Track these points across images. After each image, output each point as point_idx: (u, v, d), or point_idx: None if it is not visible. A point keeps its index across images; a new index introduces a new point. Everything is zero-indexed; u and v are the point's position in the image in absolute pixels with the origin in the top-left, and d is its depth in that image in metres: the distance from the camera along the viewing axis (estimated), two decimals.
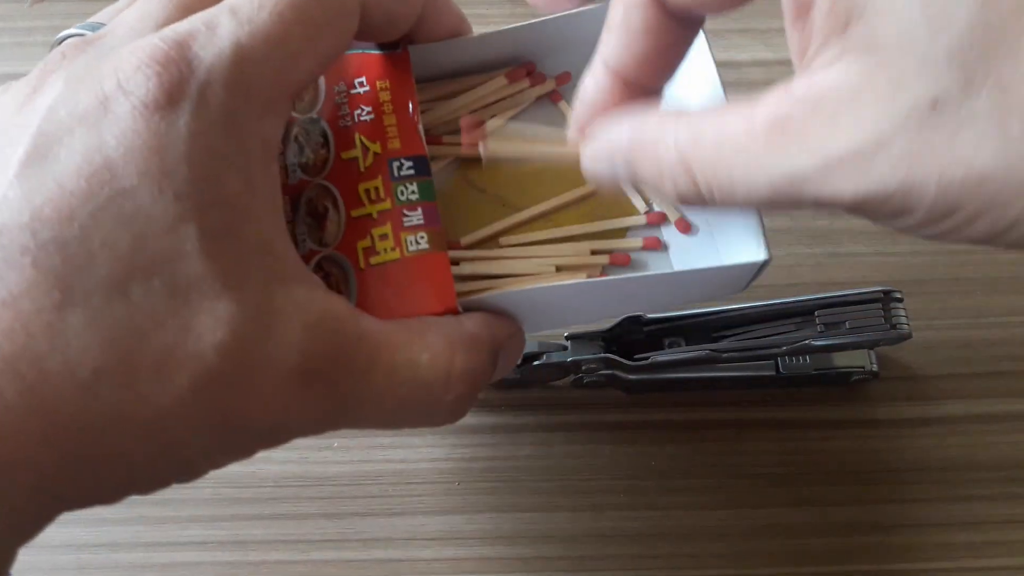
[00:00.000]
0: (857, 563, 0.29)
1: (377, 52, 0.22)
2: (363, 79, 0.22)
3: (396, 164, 0.21)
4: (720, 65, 0.37)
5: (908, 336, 0.27)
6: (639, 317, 0.29)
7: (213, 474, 0.30)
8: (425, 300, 0.20)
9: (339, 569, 0.29)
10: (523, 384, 0.31)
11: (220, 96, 0.17)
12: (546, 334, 0.31)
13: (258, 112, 0.17)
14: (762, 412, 0.31)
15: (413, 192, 0.21)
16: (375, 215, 0.21)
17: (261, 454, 0.30)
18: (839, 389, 0.31)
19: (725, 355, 0.28)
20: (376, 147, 0.21)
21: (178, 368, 0.16)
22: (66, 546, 0.29)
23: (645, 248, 0.23)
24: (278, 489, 0.30)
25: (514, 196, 0.24)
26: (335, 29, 0.18)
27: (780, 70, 0.37)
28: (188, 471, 0.18)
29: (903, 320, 0.27)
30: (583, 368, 0.29)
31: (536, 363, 0.29)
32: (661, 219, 0.23)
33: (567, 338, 0.29)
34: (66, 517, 0.30)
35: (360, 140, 0.21)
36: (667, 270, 0.22)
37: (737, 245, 0.21)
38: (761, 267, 0.21)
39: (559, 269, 0.22)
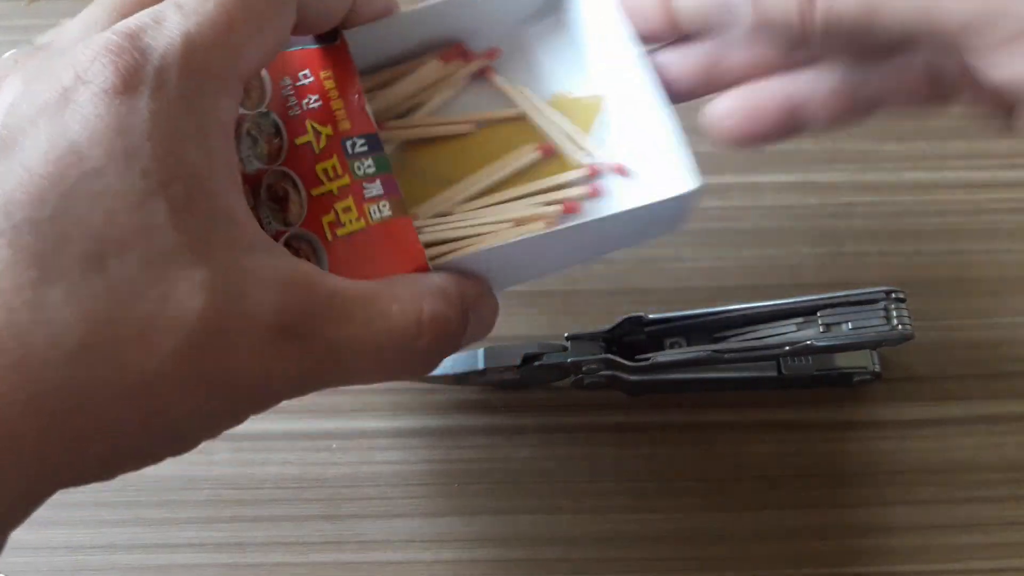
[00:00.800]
0: (861, 565, 0.29)
1: (316, 46, 0.23)
2: (307, 71, 0.23)
3: (349, 143, 0.22)
4: None
5: (911, 337, 0.27)
6: (640, 318, 0.29)
7: (211, 475, 0.30)
8: (395, 261, 0.21)
9: (337, 571, 0.29)
10: (523, 385, 0.30)
11: (175, 79, 0.18)
12: (546, 334, 0.31)
13: (212, 93, 0.18)
14: (764, 414, 0.31)
15: (370, 166, 0.22)
16: (336, 191, 0.22)
17: (259, 455, 0.30)
18: (841, 390, 0.31)
19: (727, 356, 0.28)
20: (327, 130, 0.22)
21: (160, 334, 0.17)
22: (64, 547, 0.29)
23: (592, 196, 0.24)
24: (276, 491, 0.30)
25: (459, 175, 0.24)
26: (276, 17, 0.20)
27: None
28: (179, 440, 0.19)
29: (906, 320, 0.27)
30: (583, 369, 0.29)
31: (536, 364, 0.29)
32: (602, 170, 0.24)
33: (567, 339, 0.29)
34: (64, 517, 0.30)
35: (311, 126, 0.22)
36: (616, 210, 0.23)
37: (674, 179, 0.22)
38: (696, 194, 0.22)
39: (517, 224, 0.23)
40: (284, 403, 0.19)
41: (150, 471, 0.30)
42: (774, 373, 0.30)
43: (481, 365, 0.29)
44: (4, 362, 0.16)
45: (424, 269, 0.21)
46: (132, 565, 0.29)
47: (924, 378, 0.31)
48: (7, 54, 0.20)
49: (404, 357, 0.20)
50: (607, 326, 0.29)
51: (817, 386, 0.31)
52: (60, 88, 0.17)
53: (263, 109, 0.22)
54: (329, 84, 0.23)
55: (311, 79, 0.23)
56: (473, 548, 0.29)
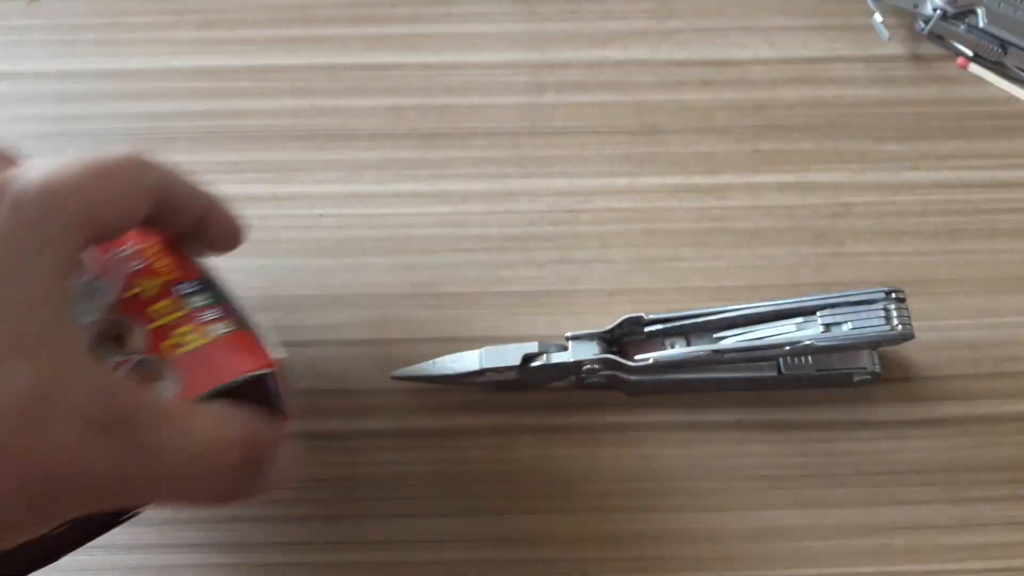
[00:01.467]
0: (861, 565, 0.29)
1: None
2: (129, 243, 0.25)
3: (179, 288, 0.24)
4: (722, 63, 0.37)
5: (911, 336, 0.27)
6: (640, 317, 0.29)
7: None
8: (240, 364, 0.23)
9: (339, 572, 0.29)
10: (523, 385, 0.30)
11: (30, 207, 0.19)
12: (546, 334, 0.31)
13: (59, 228, 0.20)
14: (763, 413, 0.31)
15: (206, 299, 0.24)
16: (172, 321, 0.23)
17: None
18: (841, 390, 0.31)
19: (727, 356, 0.28)
20: (157, 281, 0.24)
21: None
22: None
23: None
24: (277, 492, 0.30)
25: None
26: (133, 196, 0.22)
27: (781, 68, 0.37)
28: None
29: (906, 320, 0.27)
30: (584, 369, 0.29)
31: (536, 364, 0.29)
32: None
33: (567, 339, 0.29)
34: None
35: (140, 281, 0.24)
36: None
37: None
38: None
39: None
40: None
41: None
42: (774, 373, 0.30)
43: (481, 365, 0.29)
44: None
45: (270, 365, 0.23)
46: (133, 565, 0.29)
47: (923, 378, 0.31)
48: None
49: (213, 471, 0.21)
50: (607, 326, 0.29)
51: (817, 386, 0.31)
52: None
53: (88, 278, 0.24)
54: (153, 250, 0.25)
55: (135, 248, 0.25)
56: (474, 548, 0.29)
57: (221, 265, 0.34)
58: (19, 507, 0.19)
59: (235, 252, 0.34)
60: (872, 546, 0.29)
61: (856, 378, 0.30)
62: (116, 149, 0.22)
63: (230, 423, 0.21)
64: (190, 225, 0.25)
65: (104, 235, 0.22)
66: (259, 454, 0.22)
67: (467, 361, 0.29)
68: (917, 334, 0.27)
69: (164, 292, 0.24)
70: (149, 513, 0.30)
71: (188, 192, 0.25)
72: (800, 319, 0.28)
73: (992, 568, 0.29)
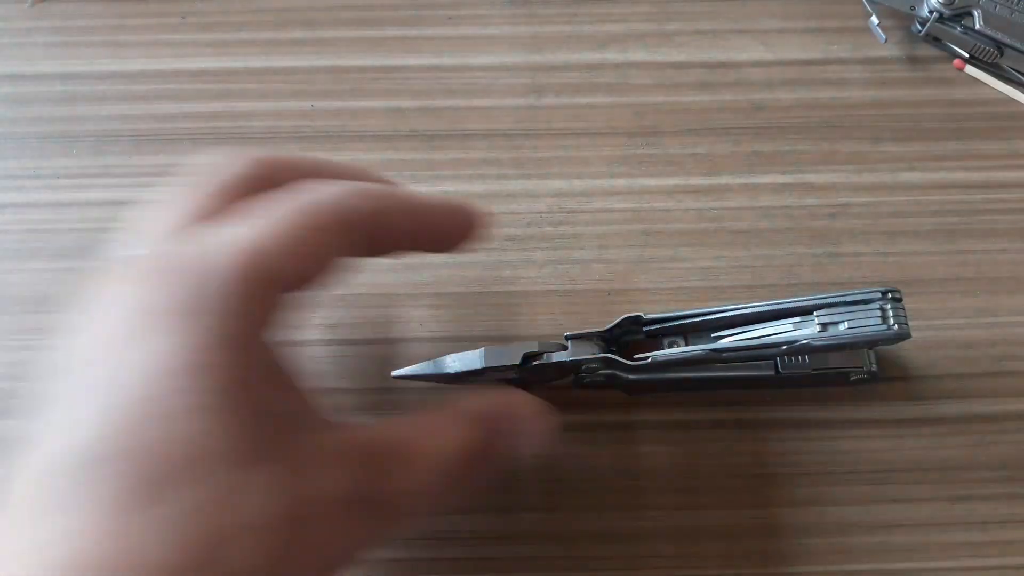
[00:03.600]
0: (858, 563, 0.29)
1: None
2: None
3: None
4: (720, 66, 0.37)
5: (907, 336, 0.27)
6: (638, 317, 0.29)
7: None
8: None
9: None
10: (523, 385, 0.31)
11: (219, 293, 0.19)
12: (546, 334, 0.31)
13: (255, 305, 0.19)
14: (761, 412, 0.31)
15: None
16: None
17: None
18: (839, 389, 0.31)
19: (725, 355, 0.28)
20: None
21: (244, 533, 0.18)
22: None
23: None
24: None
25: None
26: (336, 243, 0.21)
27: (779, 70, 0.37)
28: None
29: (903, 320, 0.27)
30: (583, 368, 0.29)
31: (535, 363, 0.29)
32: None
33: (567, 338, 0.29)
34: None
35: None
36: None
37: None
38: None
39: None
40: None
41: None
42: (771, 372, 0.30)
43: (482, 364, 0.29)
44: None
45: None
46: None
47: (920, 377, 0.32)
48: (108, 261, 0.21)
49: (451, 483, 0.21)
50: (606, 326, 0.29)
51: (814, 385, 0.31)
52: (121, 316, 0.19)
53: None
54: None
55: None
56: (474, 546, 0.29)
57: None
58: None
59: None
60: (870, 544, 0.29)
61: (853, 377, 0.30)
62: (310, 197, 0.21)
63: (448, 432, 0.22)
64: (415, 239, 0.24)
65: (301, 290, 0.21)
66: (487, 450, 0.22)
67: (468, 360, 0.29)
68: (914, 333, 0.28)
69: None
70: None
71: (395, 212, 0.23)
72: (797, 319, 0.28)
73: (989, 566, 0.29)
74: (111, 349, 0.18)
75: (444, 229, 0.24)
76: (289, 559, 0.18)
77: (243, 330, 0.19)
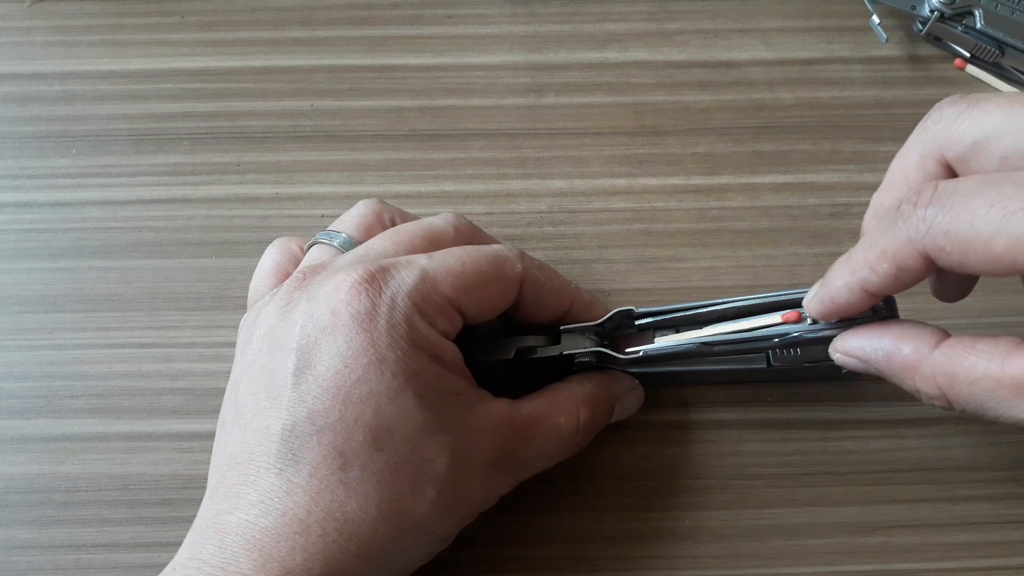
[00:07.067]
0: (859, 564, 0.29)
1: None
2: None
3: None
4: (721, 65, 0.37)
5: None
6: (631, 311, 0.29)
7: None
8: None
9: None
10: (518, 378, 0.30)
11: (404, 303, 0.24)
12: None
13: (431, 312, 0.25)
14: (762, 412, 0.31)
15: None
16: None
17: None
18: (839, 389, 0.31)
19: (716, 348, 0.28)
20: None
21: (425, 486, 0.24)
22: (67, 546, 0.29)
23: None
24: None
25: None
26: (498, 285, 0.27)
27: (780, 70, 0.37)
28: (428, 556, 0.26)
29: (895, 314, 0.27)
30: (576, 362, 0.29)
31: (529, 357, 0.29)
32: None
33: (560, 331, 0.29)
34: (68, 516, 0.30)
35: None
36: None
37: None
38: None
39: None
40: None
41: (151, 470, 0.31)
42: (763, 365, 0.30)
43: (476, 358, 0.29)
44: (336, 527, 0.23)
45: None
46: (134, 564, 0.29)
47: None
48: (299, 270, 0.27)
49: (568, 450, 0.28)
50: (599, 320, 0.29)
51: (807, 378, 0.31)
52: (331, 309, 0.24)
53: None
54: None
55: None
56: (473, 547, 0.29)
57: (225, 266, 0.34)
58: (446, 540, 0.26)
59: (237, 253, 0.34)
60: (870, 544, 0.29)
61: (844, 370, 0.30)
62: (489, 248, 0.27)
63: (577, 411, 0.28)
64: (553, 318, 0.29)
65: (469, 322, 0.26)
66: (600, 424, 0.29)
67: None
68: None
69: None
70: (151, 512, 0.30)
71: (554, 288, 0.28)
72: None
73: (989, 566, 0.29)
74: (327, 333, 0.24)
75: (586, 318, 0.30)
76: (453, 506, 0.25)
77: (410, 333, 0.24)
